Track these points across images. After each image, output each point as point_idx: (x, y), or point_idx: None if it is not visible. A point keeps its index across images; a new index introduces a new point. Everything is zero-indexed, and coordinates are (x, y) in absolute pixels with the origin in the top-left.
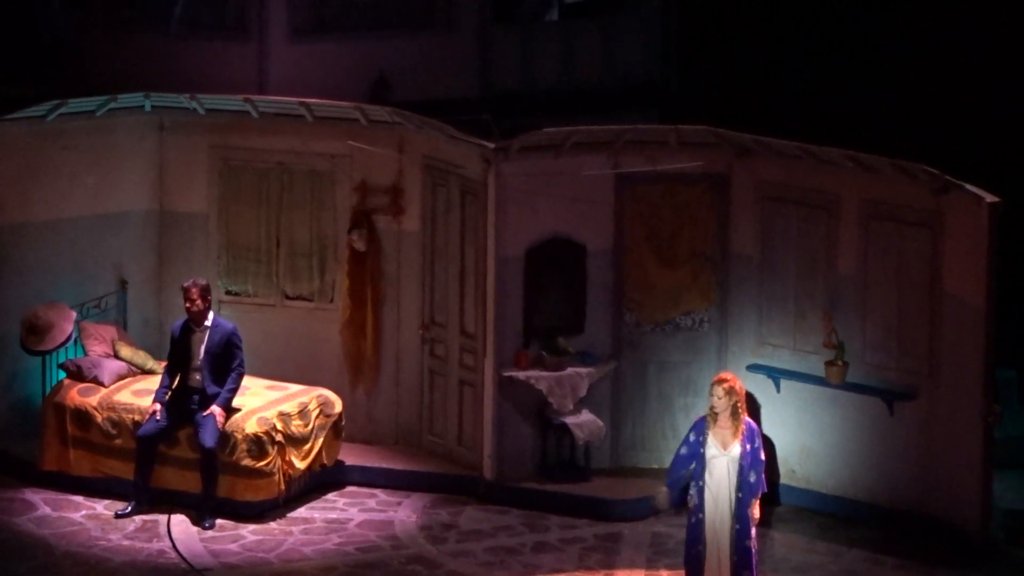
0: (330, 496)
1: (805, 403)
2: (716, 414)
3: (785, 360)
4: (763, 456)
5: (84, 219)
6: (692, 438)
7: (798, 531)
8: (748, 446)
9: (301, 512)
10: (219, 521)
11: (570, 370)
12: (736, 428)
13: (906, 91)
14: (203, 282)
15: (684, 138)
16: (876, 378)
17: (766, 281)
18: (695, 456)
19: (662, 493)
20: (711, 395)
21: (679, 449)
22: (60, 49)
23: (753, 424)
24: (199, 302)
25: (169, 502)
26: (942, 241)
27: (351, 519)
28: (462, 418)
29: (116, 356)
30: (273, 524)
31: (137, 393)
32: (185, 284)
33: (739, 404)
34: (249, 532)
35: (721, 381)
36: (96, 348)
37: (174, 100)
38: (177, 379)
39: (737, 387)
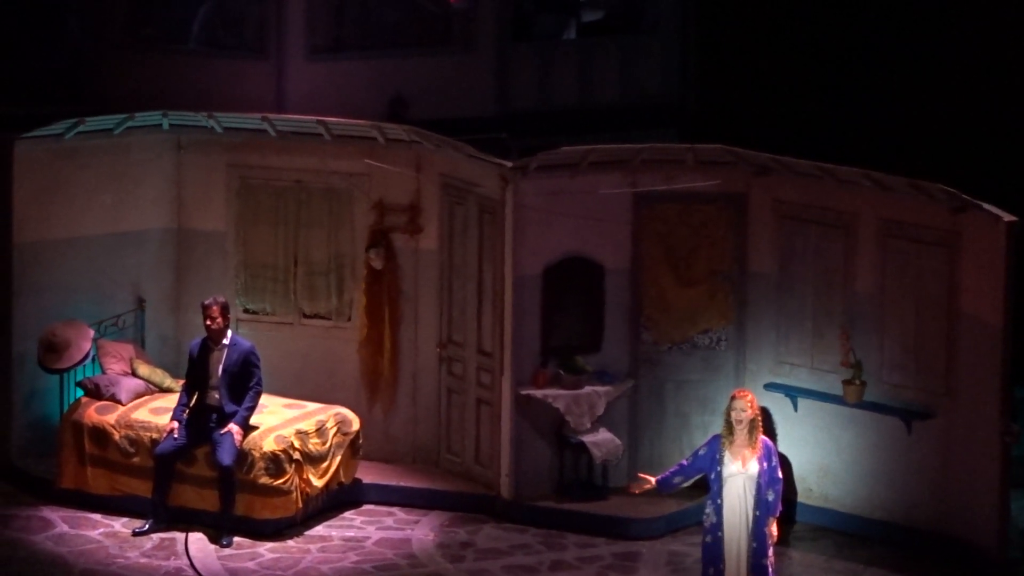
0: (347, 514)
1: (823, 422)
2: (732, 432)
3: (803, 379)
4: (780, 474)
5: (102, 237)
6: (703, 453)
7: (815, 550)
8: (765, 464)
9: (318, 530)
10: (236, 539)
11: (587, 388)
12: (754, 446)
13: (923, 110)
14: (223, 300)
15: (701, 157)
16: (894, 397)
17: (784, 300)
18: (699, 471)
19: (647, 482)
20: (732, 409)
21: (688, 458)
22: (78, 68)
23: (770, 442)
24: (220, 320)
25: (187, 520)
26: (959, 260)
27: (368, 537)
28: (479, 436)
29: (134, 374)
30: (290, 542)
31: (155, 411)
32: (206, 302)
33: (757, 420)
34: (266, 550)
35: (743, 395)
36: (114, 366)
37: (192, 118)
38: (195, 397)
39: (756, 403)
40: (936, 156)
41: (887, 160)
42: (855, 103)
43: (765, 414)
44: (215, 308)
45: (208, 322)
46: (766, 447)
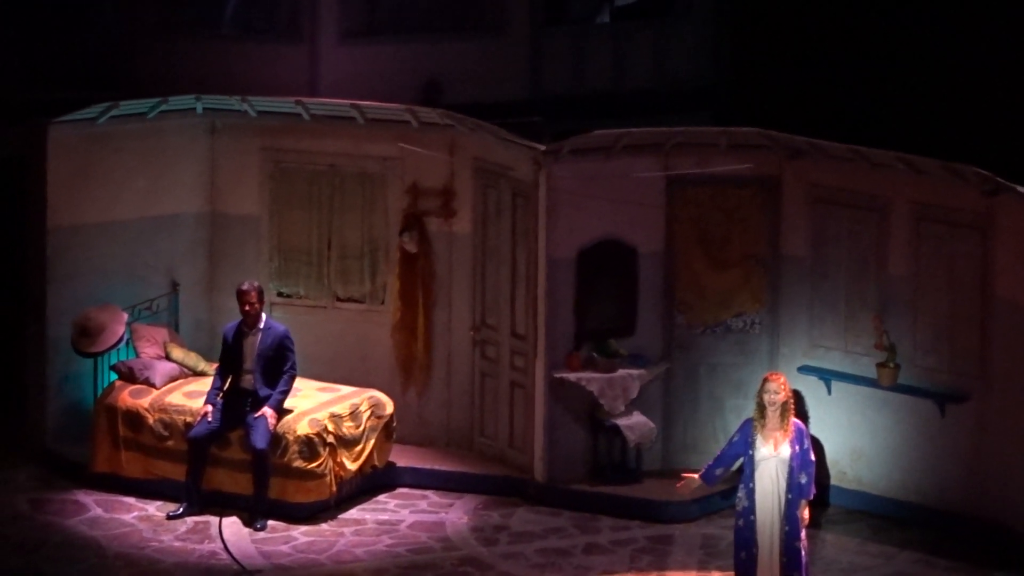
0: (381, 498)
1: (856, 405)
2: (764, 415)
3: (836, 362)
4: (813, 457)
5: (136, 221)
6: (737, 439)
7: (849, 533)
8: (797, 447)
9: (352, 514)
10: (270, 523)
11: (621, 372)
12: (786, 429)
13: (958, 93)
14: (258, 284)
15: (735, 140)
16: (927, 380)
17: (817, 283)
18: (737, 457)
19: (694, 481)
20: (764, 392)
21: (724, 447)
22: (112, 53)
23: (802, 425)
24: (257, 304)
25: (220, 504)
26: (993, 243)
27: (402, 521)
28: (513, 420)
29: (168, 358)
30: (324, 526)
31: (188, 395)
32: (243, 287)
33: (789, 403)
34: (300, 534)
35: (775, 378)
36: (148, 350)
37: (226, 102)
38: (229, 381)
39: (788, 386)
40: (969, 138)
41: (920, 143)
42: (887, 86)
43: (797, 397)
44: (252, 293)
45: (246, 307)
46: (798, 430)
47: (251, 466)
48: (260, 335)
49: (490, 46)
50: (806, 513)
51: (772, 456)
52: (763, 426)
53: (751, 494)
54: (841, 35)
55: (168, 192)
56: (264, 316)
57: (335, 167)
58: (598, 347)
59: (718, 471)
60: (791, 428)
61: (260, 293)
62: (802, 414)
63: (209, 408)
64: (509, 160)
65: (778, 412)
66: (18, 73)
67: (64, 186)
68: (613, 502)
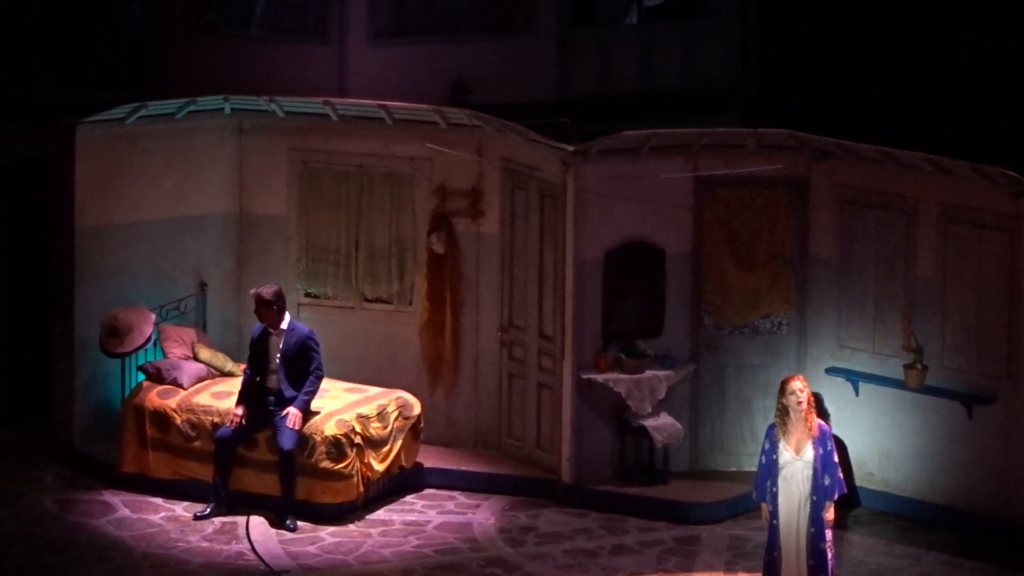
0: (408, 498)
1: (884, 406)
2: (786, 419)
3: (864, 363)
4: (836, 458)
5: (164, 222)
6: (767, 447)
7: (876, 534)
8: (820, 449)
9: (379, 514)
10: (298, 523)
11: (649, 373)
12: (809, 430)
13: (986, 94)
14: (267, 295)
15: (763, 141)
16: (955, 382)
17: (845, 284)
18: (773, 464)
19: (762, 510)
20: (790, 394)
21: (760, 460)
22: (140, 54)
23: (825, 426)
24: (263, 311)
25: (248, 504)
26: (1021, 244)
27: (429, 521)
28: (540, 421)
29: (195, 358)
30: (352, 526)
31: (216, 395)
32: (251, 293)
33: (812, 403)
34: (328, 534)
35: (797, 379)
36: (175, 350)
37: (254, 103)
38: (256, 381)
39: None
40: (998, 140)
41: (948, 144)
42: (916, 87)
43: (816, 398)
44: (257, 304)
45: (257, 314)
46: (821, 431)
47: (278, 467)
48: (283, 336)
49: (518, 47)
50: (831, 514)
51: (796, 459)
52: (785, 431)
53: (774, 498)
54: (869, 36)
55: (196, 192)
56: (288, 317)
57: (363, 168)
58: (626, 348)
59: (768, 483)
60: (815, 429)
61: (265, 303)
62: (822, 414)
63: (240, 411)
64: (537, 161)
65: (801, 413)
66: (47, 73)
67: (92, 186)
68: (640, 503)
